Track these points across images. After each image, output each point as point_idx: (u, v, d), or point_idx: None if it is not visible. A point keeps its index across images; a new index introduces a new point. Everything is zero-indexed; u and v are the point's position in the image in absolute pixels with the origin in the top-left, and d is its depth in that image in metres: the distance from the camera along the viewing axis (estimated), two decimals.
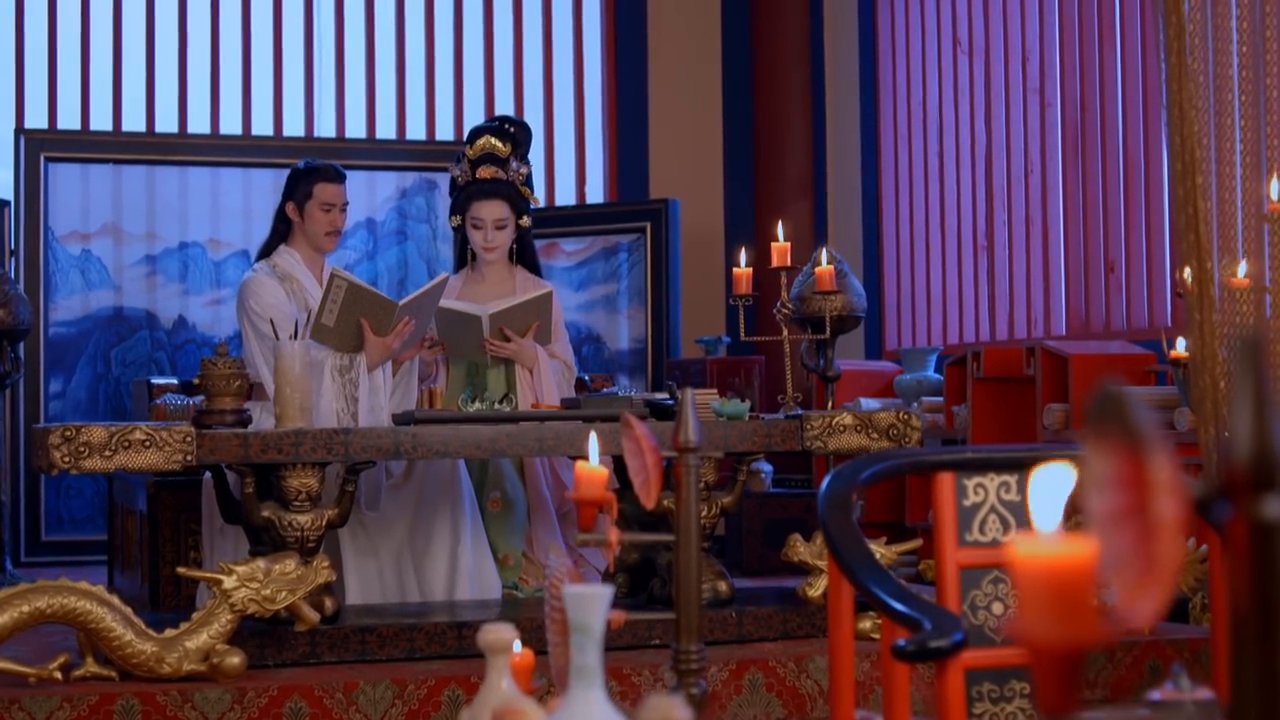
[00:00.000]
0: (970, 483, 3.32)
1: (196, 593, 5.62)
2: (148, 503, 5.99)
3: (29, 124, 8.72)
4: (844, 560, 3.13)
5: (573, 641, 2.36)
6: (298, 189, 6.08)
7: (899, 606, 2.96)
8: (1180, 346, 5.82)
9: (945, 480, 3.30)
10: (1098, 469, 1.33)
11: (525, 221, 6.24)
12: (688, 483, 3.26)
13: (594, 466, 3.02)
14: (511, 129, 6.33)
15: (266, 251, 6.15)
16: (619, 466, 5.00)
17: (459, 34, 9.59)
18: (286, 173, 6.34)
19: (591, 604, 2.31)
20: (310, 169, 6.13)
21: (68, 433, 4.72)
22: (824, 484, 3.24)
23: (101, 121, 8.94)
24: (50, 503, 8.23)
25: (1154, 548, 1.26)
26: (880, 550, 5.20)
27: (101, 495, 7.88)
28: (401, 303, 5.71)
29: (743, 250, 5.94)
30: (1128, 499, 1.31)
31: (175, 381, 6.99)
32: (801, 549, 5.24)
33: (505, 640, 2.64)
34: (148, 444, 4.76)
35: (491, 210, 6.18)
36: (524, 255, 6.35)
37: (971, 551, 3.30)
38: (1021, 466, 3.33)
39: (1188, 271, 4.88)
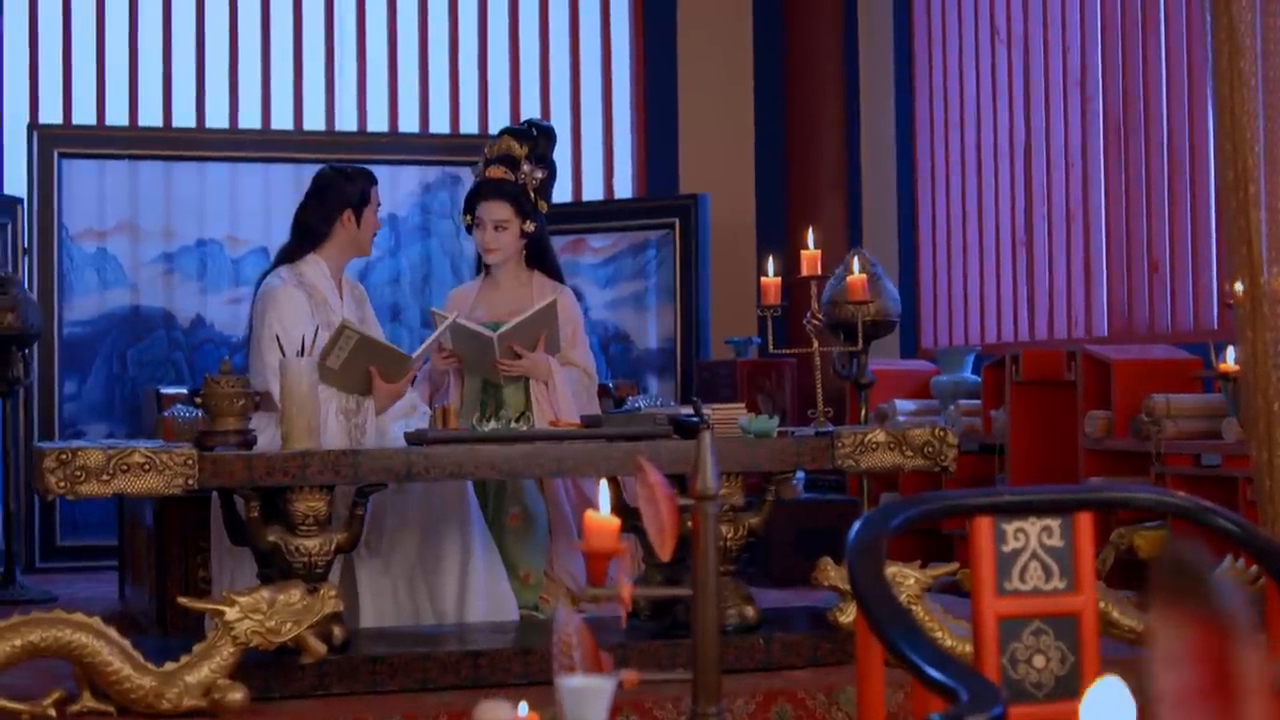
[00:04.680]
0: (1010, 527, 3.11)
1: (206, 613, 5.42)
2: (155, 519, 5.79)
3: (43, 119, 8.54)
4: (873, 617, 2.91)
5: None
6: (354, 194, 5.73)
7: (933, 673, 2.74)
8: (1229, 358, 5.58)
9: (983, 525, 3.08)
10: (1168, 643, 1.11)
11: (529, 226, 6.01)
12: (705, 533, 3.05)
13: (604, 516, 2.82)
14: (534, 132, 6.11)
15: (291, 257, 5.77)
16: None
17: (484, 23, 9.38)
18: (309, 169, 6.09)
19: (590, 700, 2.09)
20: (356, 172, 5.83)
21: (63, 456, 4.52)
22: (852, 531, 3.02)
23: (117, 116, 8.75)
24: (65, 507, 8.04)
25: None
26: (915, 574, 4.98)
27: (115, 500, 7.70)
28: (414, 354, 5.52)
29: (770, 259, 5.71)
30: (1202, 677, 1.09)
31: (185, 391, 6.78)
32: (832, 573, 5.01)
33: None
34: (147, 467, 4.55)
35: (492, 211, 5.99)
36: (540, 260, 6.13)
37: (1011, 601, 3.09)
38: (1065, 510, 3.12)
39: (1239, 285, 4.65)
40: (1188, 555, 1.08)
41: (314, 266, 5.73)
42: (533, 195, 6.00)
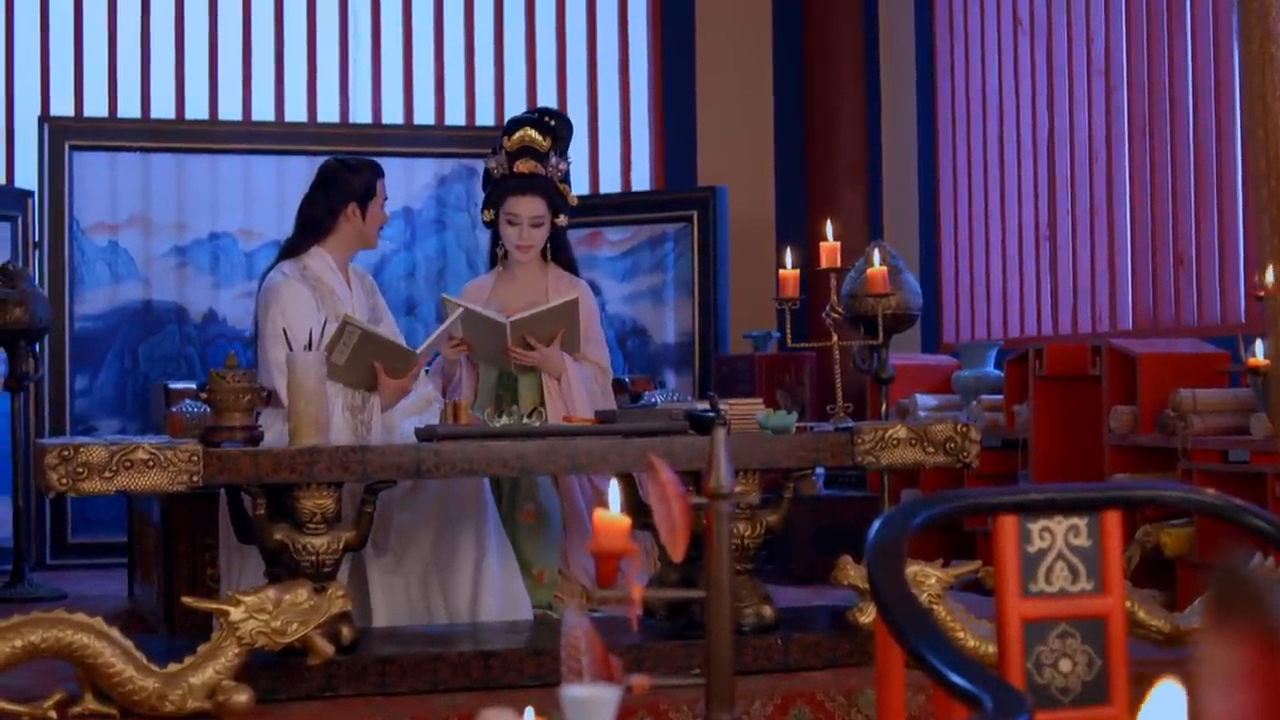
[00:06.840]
0: (1035, 527, 3.01)
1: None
2: (162, 516, 5.70)
3: (54, 111, 8.46)
4: (893, 620, 2.81)
5: None
6: (359, 187, 5.61)
7: (956, 679, 2.63)
8: (1258, 352, 5.46)
9: (1008, 524, 2.98)
10: (1219, 663, 1.00)
11: (562, 220, 5.92)
12: (719, 533, 2.94)
13: (613, 515, 2.72)
14: (552, 122, 5.99)
15: (294, 251, 5.68)
16: None
17: (499, 13, 9.29)
18: (321, 161, 5.98)
19: (595, 710, 1.98)
20: (361, 164, 5.72)
21: (65, 452, 4.43)
22: (873, 530, 2.92)
23: (129, 108, 8.67)
24: (76, 504, 7.97)
25: None
26: (937, 573, 4.87)
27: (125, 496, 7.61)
28: (420, 349, 5.42)
29: (788, 250, 5.60)
30: (1256, 699, 0.99)
31: (194, 386, 6.68)
32: (852, 572, 4.90)
33: None
34: (151, 464, 4.46)
35: (528, 206, 5.86)
36: (558, 254, 6.02)
37: (1036, 603, 2.98)
38: (1093, 508, 3.01)
39: (1270, 277, 4.53)
40: (1241, 570, 0.98)
41: (319, 260, 5.63)
42: (561, 188, 5.90)
